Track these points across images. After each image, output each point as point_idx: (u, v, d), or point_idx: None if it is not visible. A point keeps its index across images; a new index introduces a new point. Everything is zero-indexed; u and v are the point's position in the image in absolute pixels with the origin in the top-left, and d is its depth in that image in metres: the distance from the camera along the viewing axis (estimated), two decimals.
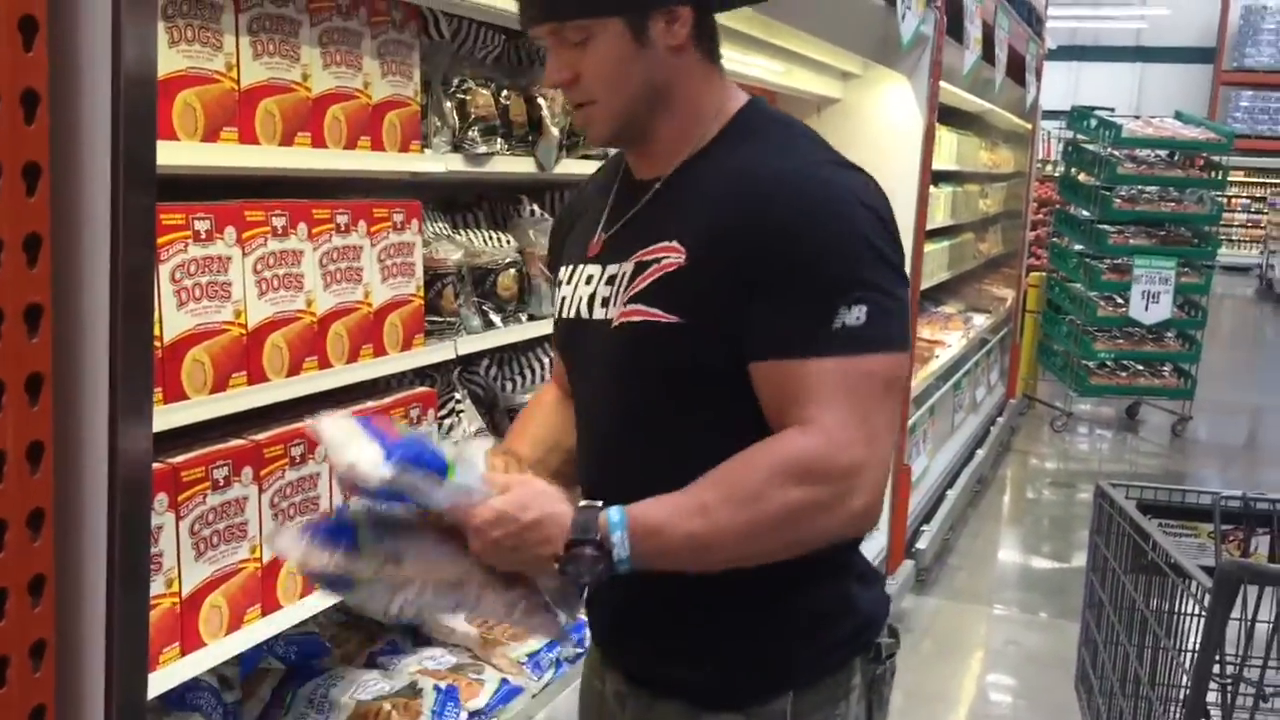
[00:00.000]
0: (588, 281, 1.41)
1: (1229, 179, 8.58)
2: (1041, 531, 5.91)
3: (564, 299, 1.45)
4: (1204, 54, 19.27)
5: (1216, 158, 7.85)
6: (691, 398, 1.33)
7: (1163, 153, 7.90)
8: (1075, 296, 8.01)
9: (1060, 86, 17.42)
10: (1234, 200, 18.70)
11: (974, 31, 4.45)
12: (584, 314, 1.40)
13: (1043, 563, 5.43)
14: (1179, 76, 19.57)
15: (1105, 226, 7.75)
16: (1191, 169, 7.85)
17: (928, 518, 4.88)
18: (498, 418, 2.45)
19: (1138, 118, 9.03)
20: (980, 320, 6.73)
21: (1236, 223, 19.08)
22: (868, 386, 1.25)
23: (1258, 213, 19.14)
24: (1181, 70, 19.56)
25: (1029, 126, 7.88)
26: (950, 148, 5.68)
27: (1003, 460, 6.98)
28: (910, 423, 4.31)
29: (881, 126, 3.94)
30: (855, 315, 1.24)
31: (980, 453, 6.18)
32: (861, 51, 3.44)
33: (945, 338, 5.86)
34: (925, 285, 5.21)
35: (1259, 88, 18.51)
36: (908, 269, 4.18)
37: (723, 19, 2.57)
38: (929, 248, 5.34)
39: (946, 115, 5.49)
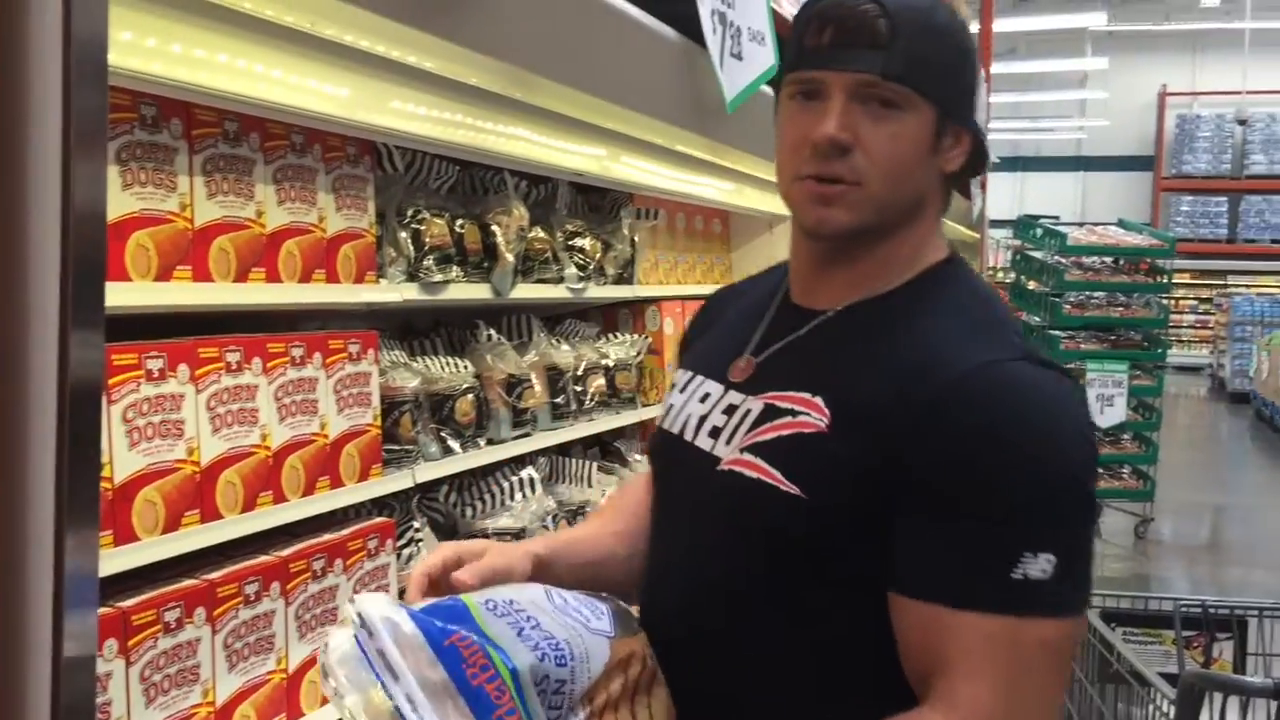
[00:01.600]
0: (703, 400, 1.21)
1: (1175, 282, 8.79)
2: None
3: (671, 406, 1.26)
4: (1143, 162, 19.92)
5: (1161, 262, 8.05)
6: (790, 588, 1.10)
7: (1108, 259, 8.10)
8: None
9: (1006, 196, 17.93)
10: (1181, 302, 19.12)
11: None
12: (688, 436, 1.20)
13: None
14: (1120, 184, 20.18)
15: (1057, 332, 7.89)
16: (1137, 274, 8.05)
17: None
18: None
19: (1082, 225, 9.29)
20: None
21: (1186, 324, 19.47)
22: (1036, 660, 1.00)
23: (1206, 313, 19.57)
24: (1122, 177, 20.18)
25: (977, 236, 8.07)
26: None
27: None
28: None
29: None
30: (1041, 566, 0.98)
31: None
32: None
33: None
34: None
35: (1197, 193, 19.11)
36: None
37: (664, 139, 2.65)
38: None
39: None
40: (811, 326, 1.17)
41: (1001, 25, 10.26)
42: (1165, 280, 8.12)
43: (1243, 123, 18.65)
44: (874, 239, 1.16)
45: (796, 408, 1.11)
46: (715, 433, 1.17)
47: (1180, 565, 7.54)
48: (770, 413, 1.12)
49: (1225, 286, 19.17)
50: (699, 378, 1.25)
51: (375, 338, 2.05)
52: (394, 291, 2.09)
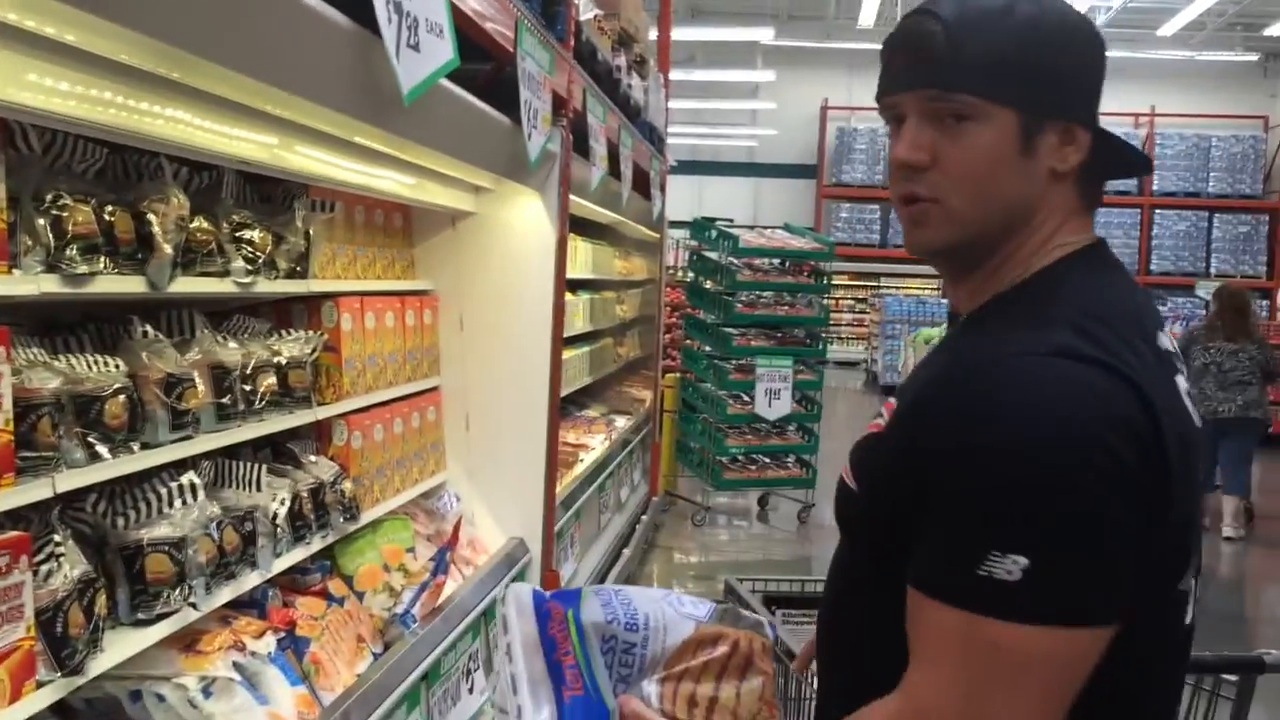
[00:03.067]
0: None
1: (835, 283, 9.46)
2: None
3: None
4: (808, 170, 21.29)
5: (822, 265, 8.64)
6: (854, 581, 1.21)
7: (776, 260, 8.60)
8: (707, 396, 8.48)
9: (686, 198, 18.66)
10: (840, 302, 20.63)
11: (599, 149, 4.68)
12: None
13: None
14: (788, 190, 21.49)
15: (729, 329, 8.31)
16: (801, 275, 8.60)
17: None
18: (109, 557, 2.24)
19: (753, 228, 9.82)
20: (622, 422, 6.97)
21: (845, 322, 21.03)
22: (992, 663, 0.99)
23: (862, 313, 21.21)
24: (790, 184, 21.49)
25: (657, 236, 8.35)
26: (586, 257, 5.91)
27: (649, 557, 7.20)
28: (557, 528, 4.36)
29: (516, 238, 4.03)
30: (1008, 568, 0.97)
31: (627, 552, 6.34)
32: (491, 168, 3.52)
33: (589, 441, 6.02)
34: (567, 391, 5.34)
35: (854, 200, 20.61)
36: (545, 375, 4.13)
37: (340, 130, 2.56)
38: (570, 354, 5.50)
39: (580, 226, 5.72)
40: (944, 336, 1.27)
41: (679, 34, 10.65)
42: (826, 281, 8.73)
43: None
44: (981, 250, 1.17)
45: (884, 411, 1.20)
46: None
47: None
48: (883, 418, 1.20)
49: (879, 288, 20.87)
50: None
51: (6, 334, 1.85)
52: (29, 284, 1.90)
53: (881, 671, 1.10)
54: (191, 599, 2.29)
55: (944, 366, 1.14)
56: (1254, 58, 19.02)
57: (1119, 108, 17.64)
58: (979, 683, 0.99)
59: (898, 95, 1.17)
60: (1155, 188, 18.82)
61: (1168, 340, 1.17)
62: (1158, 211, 18.94)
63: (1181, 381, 1.13)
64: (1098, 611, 1.00)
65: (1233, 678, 2.17)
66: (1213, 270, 18.56)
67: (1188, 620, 1.18)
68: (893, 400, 1.21)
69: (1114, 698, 1.06)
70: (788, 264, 8.61)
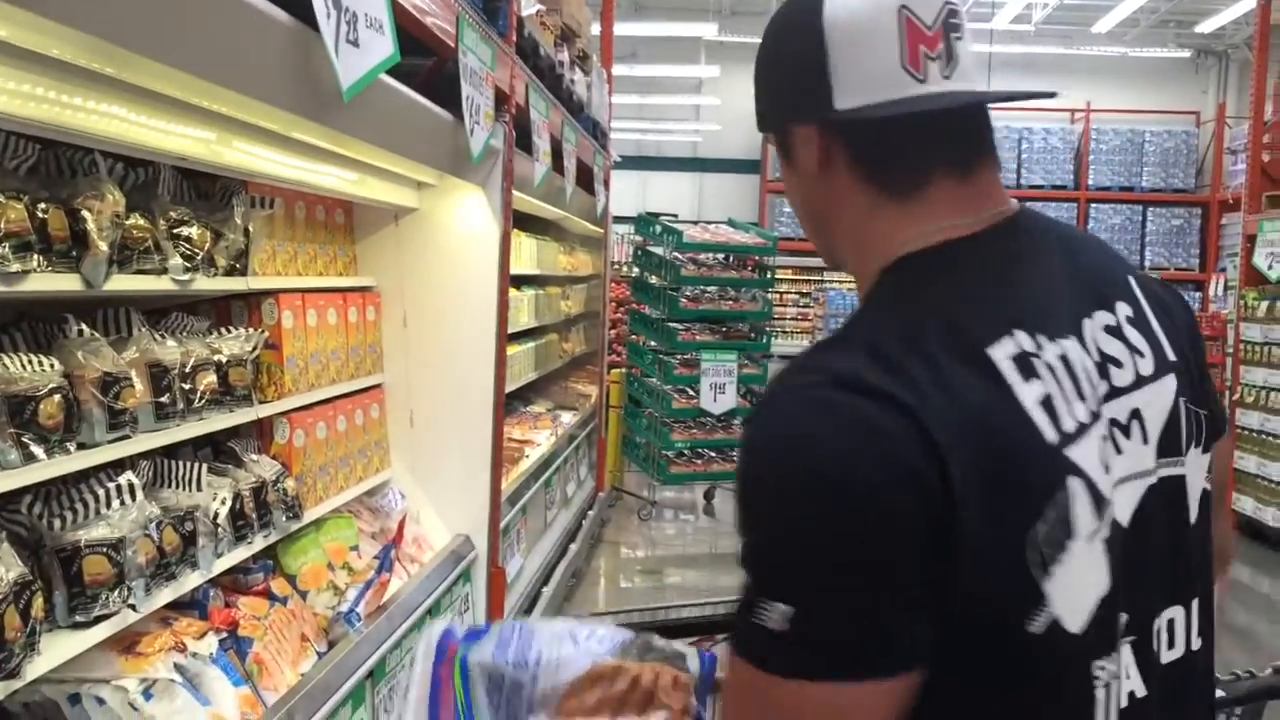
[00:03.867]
0: None
1: (778, 277, 9.53)
2: None
3: None
4: (751, 165, 21.39)
5: (766, 259, 8.69)
6: None
7: (720, 255, 8.64)
8: (652, 390, 8.51)
9: (631, 193, 18.67)
10: (785, 296, 20.77)
11: (542, 145, 4.68)
12: None
13: None
14: (732, 185, 21.58)
15: (674, 324, 8.33)
16: (745, 270, 8.65)
17: (525, 617, 4.93)
18: (45, 559, 2.21)
19: (697, 223, 9.85)
20: (568, 417, 6.97)
21: (789, 316, 21.17)
22: (765, 716, 0.95)
23: (805, 306, 21.36)
24: (734, 179, 21.58)
25: (602, 231, 8.36)
26: (530, 252, 5.91)
27: (596, 552, 7.21)
28: (503, 524, 4.36)
29: (460, 234, 4.02)
30: (775, 619, 0.92)
31: (574, 547, 6.35)
32: (434, 164, 3.51)
33: (535, 436, 6.02)
34: (513, 387, 5.34)
35: None
36: (490, 372, 4.10)
37: (279, 125, 2.54)
38: (515, 349, 5.49)
39: (524, 222, 5.72)
40: None
41: (622, 30, 10.66)
42: (770, 276, 8.78)
43: None
44: (830, 252, 1.22)
45: None
46: None
47: None
48: None
49: (822, 282, 21.05)
50: None
51: None
52: None
53: None
54: (131, 600, 2.27)
55: None
56: (1186, 54, 19.43)
57: (1056, 104, 17.92)
58: None
59: None
60: (1091, 182, 19.16)
61: (1034, 343, 1.04)
62: (1093, 205, 19.28)
63: (1029, 391, 1.01)
64: (873, 664, 0.92)
65: None
66: (1147, 263, 18.91)
67: (1115, 702, 1.05)
68: None
69: None
70: (732, 259, 8.65)
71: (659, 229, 8.64)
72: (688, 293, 8.35)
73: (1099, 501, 1.01)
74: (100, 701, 2.25)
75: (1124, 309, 1.16)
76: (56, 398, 2.11)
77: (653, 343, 8.69)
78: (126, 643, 2.37)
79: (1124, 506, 1.06)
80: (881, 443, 0.93)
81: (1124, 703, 1.05)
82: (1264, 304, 8.24)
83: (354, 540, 3.48)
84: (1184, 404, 1.17)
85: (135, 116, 2.18)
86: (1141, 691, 1.08)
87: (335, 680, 2.83)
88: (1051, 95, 1.23)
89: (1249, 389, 8.37)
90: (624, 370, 9.21)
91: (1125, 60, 19.03)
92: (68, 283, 2.15)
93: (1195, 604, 1.17)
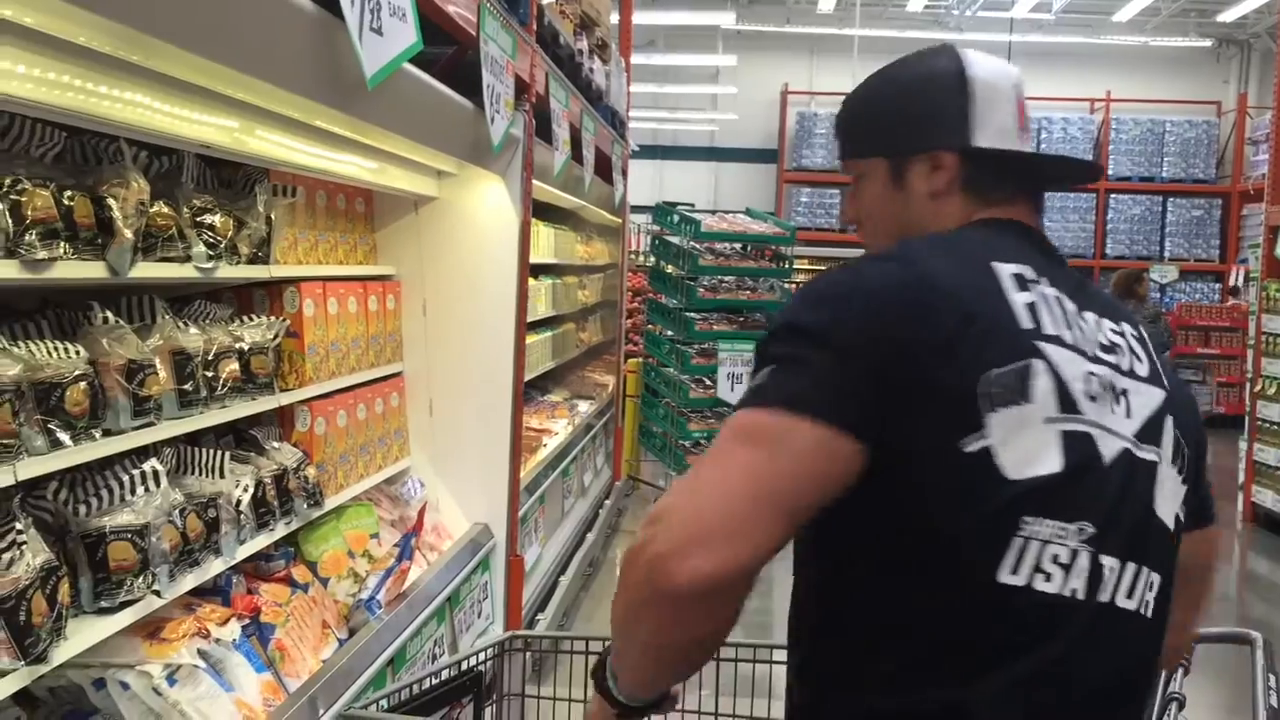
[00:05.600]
0: None
1: (795, 267, 9.49)
2: None
3: None
4: (768, 154, 21.30)
5: (783, 249, 8.67)
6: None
7: (737, 245, 8.62)
8: (669, 380, 8.50)
9: (647, 183, 18.64)
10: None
11: (562, 134, 4.67)
12: None
13: None
14: (749, 174, 21.50)
15: (691, 314, 8.31)
16: (762, 259, 8.62)
17: (543, 606, 4.94)
18: (70, 545, 2.22)
19: (714, 212, 9.82)
20: (585, 407, 6.97)
21: None
22: (724, 437, 1.20)
23: None
24: (750, 169, 21.50)
25: (619, 221, 8.35)
26: (548, 242, 5.91)
27: (612, 542, 7.22)
28: (521, 513, 4.37)
29: (480, 223, 4.02)
30: (763, 377, 1.22)
31: (590, 536, 6.36)
32: (454, 152, 3.51)
33: (552, 426, 6.02)
34: (530, 376, 5.34)
35: (815, 185, 20.64)
36: (509, 361, 4.17)
37: (302, 114, 2.54)
38: (532, 339, 5.49)
39: (543, 211, 5.71)
40: None
41: (640, 19, 10.64)
42: (787, 266, 8.76)
43: None
44: None
45: None
46: None
47: None
48: None
49: None
50: None
51: None
52: None
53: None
54: (155, 586, 2.28)
55: None
56: (1207, 44, 19.24)
57: (1075, 93, 17.80)
58: (712, 452, 1.19)
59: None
60: (1110, 172, 19.00)
61: (1038, 280, 1.31)
62: (1113, 196, 19.15)
63: (1019, 296, 1.27)
64: (818, 406, 1.17)
65: None
66: (1167, 254, 18.78)
67: (1034, 561, 1.20)
68: None
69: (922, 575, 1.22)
70: (749, 248, 8.63)
71: (676, 218, 8.61)
72: (705, 282, 8.33)
73: (1064, 397, 1.23)
74: (125, 687, 2.26)
75: (1129, 329, 1.39)
76: (82, 384, 2.13)
77: (670, 332, 8.67)
78: (151, 628, 2.38)
79: (1107, 450, 1.25)
80: (889, 278, 1.24)
81: (1052, 574, 1.20)
82: None
83: (374, 528, 3.50)
84: (1171, 424, 1.34)
85: (160, 104, 2.18)
86: (1081, 593, 1.22)
87: (356, 667, 2.84)
88: (1098, 177, 1.57)
89: (1270, 381, 8.32)
90: (641, 360, 9.21)
91: (1146, 49, 18.86)
92: (93, 270, 2.16)
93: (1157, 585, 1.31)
